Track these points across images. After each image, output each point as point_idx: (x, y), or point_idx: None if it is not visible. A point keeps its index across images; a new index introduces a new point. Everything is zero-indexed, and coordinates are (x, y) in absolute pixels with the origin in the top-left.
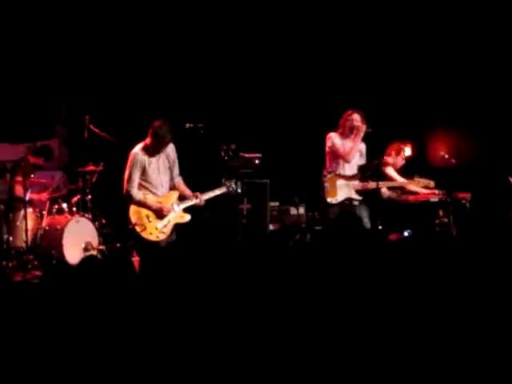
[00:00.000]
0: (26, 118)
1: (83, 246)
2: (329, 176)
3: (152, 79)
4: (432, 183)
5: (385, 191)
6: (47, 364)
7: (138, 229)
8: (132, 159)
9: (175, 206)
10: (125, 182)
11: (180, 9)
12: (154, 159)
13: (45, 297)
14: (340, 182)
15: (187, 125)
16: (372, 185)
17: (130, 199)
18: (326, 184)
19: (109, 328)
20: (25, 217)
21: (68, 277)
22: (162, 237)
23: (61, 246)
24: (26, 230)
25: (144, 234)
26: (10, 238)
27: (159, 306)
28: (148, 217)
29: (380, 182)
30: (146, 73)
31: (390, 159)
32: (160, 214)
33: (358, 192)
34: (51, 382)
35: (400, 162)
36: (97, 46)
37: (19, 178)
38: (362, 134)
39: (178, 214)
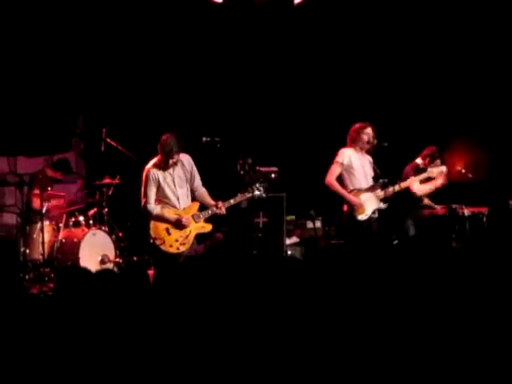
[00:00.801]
0: (42, 131)
1: (100, 258)
2: (352, 193)
3: (169, 93)
4: (444, 168)
5: (418, 188)
6: (60, 373)
7: (157, 242)
8: (145, 176)
9: (195, 217)
10: (142, 199)
11: (197, 25)
12: (167, 173)
13: (58, 308)
14: (364, 197)
15: (204, 138)
16: (395, 188)
17: (148, 215)
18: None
19: (120, 339)
20: (41, 229)
21: (83, 288)
22: (182, 248)
23: (77, 258)
24: (43, 243)
25: (164, 247)
26: (27, 251)
27: (172, 319)
28: (167, 230)
29: (402, 183)
30: (164, 86)
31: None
32: (179, 226)
33: (383, 200)
34: None
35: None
36: (114, 59)
37: (37, 191)
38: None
39: (198, 225)
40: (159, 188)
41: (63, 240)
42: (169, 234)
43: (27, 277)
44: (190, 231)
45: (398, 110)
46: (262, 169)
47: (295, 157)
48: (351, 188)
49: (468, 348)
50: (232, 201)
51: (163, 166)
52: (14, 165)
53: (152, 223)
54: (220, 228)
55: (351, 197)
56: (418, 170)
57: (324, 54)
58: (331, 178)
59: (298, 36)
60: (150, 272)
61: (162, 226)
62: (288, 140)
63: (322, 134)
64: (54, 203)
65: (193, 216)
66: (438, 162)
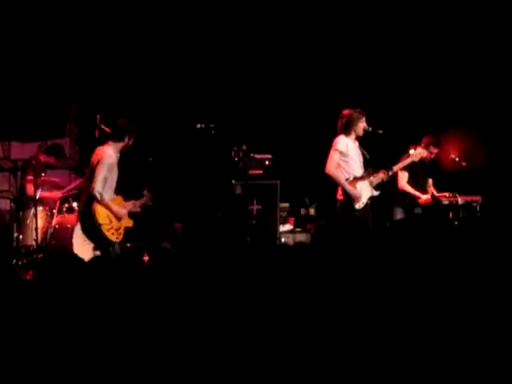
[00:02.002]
0: (37, 117)
1: (93, 245)
2: (349, 182)
3: (163, 79)
4: (424, 152)
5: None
6: (52, 362)
7: (105, 227)
8: (107, 161)
9: (126, 212)
10: (98, 183)
11: (192, 10)
12: (115, 162)
13: (50, 294)
14: (360, 185)
15: (198, 125)
16: (387, 174)
17: (100, 200)
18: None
19: (113, 327)
20: (35, 215)
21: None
22: (120, 238)
23: (71, 244)
24: (36, 229)
25: (107, 233)
26: (20, 237)
27: (166, 306)
28: (109, 217)
29: (393, 167)
30: (158, 72)
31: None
32: (119, 217)
33: (375, 187)
34: (54, 381)
35: (428, 156)
36: (108, 45)
37: (30, 177)
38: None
39: (128, 220)
40: (110, 176)
41: (57, 226)
42: (110, 222)
43: (20, 263)
44: (122, 224)
45: (393, 97)
46: (257, 156)
47: (289, 144)
48: (346, 176)
49: (461, 341)
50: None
51: (117, 153)
52: (8, 150)
53: (98, 208)
54: (214, 214)
55: (351, 188)
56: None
57: (318, 41)
58: (332, 167)
59: (291, 24)
60: (145, 258)
61: (106, 212)
62: (282, 127)
63: (317, 121)
64: (48, 189)
65: (125, 210)
66: (435, 151)
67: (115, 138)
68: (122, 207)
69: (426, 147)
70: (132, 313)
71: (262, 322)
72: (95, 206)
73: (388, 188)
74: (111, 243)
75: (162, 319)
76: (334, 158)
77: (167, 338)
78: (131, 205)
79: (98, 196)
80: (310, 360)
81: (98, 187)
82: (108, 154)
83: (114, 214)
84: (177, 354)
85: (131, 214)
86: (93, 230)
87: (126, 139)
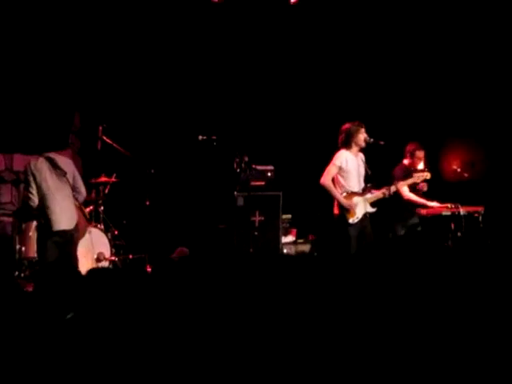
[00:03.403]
0: (39, 129)
1: (95, 256)
2: (344, 196)
3: (166, 91)
4: (428, 174)
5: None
6: (54, 371)
7: None
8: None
9: None
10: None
11: (195, 22)
12: None
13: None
14: (355, 200)
15: (200, 137)
16: (385, 193)
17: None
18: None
19: (112, 338)
20: (37, 227)
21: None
22: None
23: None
24: None
25: None
26: (23, 249)
27: (169, 317)
28: None
29: (392, 187)
30: (160, 84)
31: (405, 161)
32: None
33: (372, 204)
34: None
35: (417, 162)
36: (111, 57)
37: None
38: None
39: None
40: None
41: None
42: None
43: (22, 275)
44: None
45: (394, 109)
46: (259, 167)
47: (292, 155)
48: (343, 190)
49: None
50: None
51: None
52: (10, 162)
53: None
54: (217, 226)
55: (345, 201)
56: (406, 175)
57: (320, 54)
58: (327, 179)
59: (295, 35)
60: (148, 269)
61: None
62: (285, 139)
63: (319, 132)
64: None
65: None
66: (421, 155)
67: None
68: None
69: (411, 155)
70: (133, 323)
71: (264, 330)
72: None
73: (388, 204)
74: None
75: (164, 329)
76: (330, 171)
77: (170, 347)
78: None
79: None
80: (310, 366)
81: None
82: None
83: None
84: (180, 363)
85: None
86: None
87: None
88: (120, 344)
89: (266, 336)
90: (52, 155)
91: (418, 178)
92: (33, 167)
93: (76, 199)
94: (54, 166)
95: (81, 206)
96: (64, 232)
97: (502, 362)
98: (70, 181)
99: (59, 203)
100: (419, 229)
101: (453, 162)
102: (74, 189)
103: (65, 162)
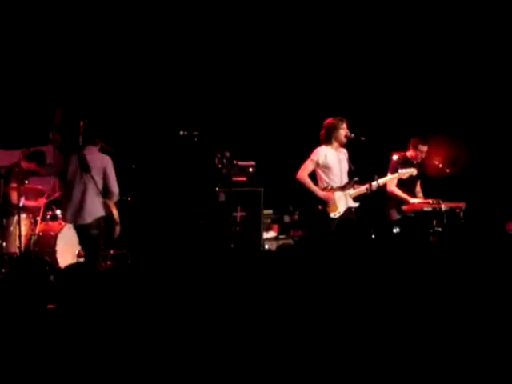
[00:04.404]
0: (20, 124)
1: (76, 252)
2: (325, 191)
3: (147, 86)
4: (415, 171)
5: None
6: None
7: None
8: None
9: None
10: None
11: (177, 15)
12: None
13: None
14: (338, 195)
15: (181, 132)
16: (373, 186)
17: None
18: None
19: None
20: (18, 222)
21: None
22: None
23: (54, 252)
24: (20, 236)
25: None
26: (4, 244)
27: (151, 313)
28: None
29: (379, 180)
30: (141, 79)
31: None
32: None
33: (355, 199)
34: None
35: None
36: (92, 51)
37: (14, 184)
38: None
39: None
40: None
41: (40, 233)
42: None
43: (3, 270)
44: None
45: (376, 104)
46: (240, 163)
47: (273, 151)
48: (325, 186)
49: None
50: None
51: None
52: None
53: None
54: (198, 221)
55: (322, 192)
56: (401, 166)
57: (301, 49)
58: (303, 173)
59: (277, 29)
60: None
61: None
62: (266, 134)
63: (301, 128)
64: (32, 197)
65: None
66: (424, 149)
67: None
68: None
69: (415, 148)
70: (111, 318)
71: (247, 326)
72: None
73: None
74: None
75: (146, 327)
76: (307, 167)
77: (155, 345)
78: None
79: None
80: (299, 363)
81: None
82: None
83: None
84: (167, 362)
85: None
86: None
87: None
88: (101, 338)
89: (248, 332)
90: (85, 151)
91: (403, 174)
92: (65, 162)
93: (108, 198)
94: (81, 161)
95: (110, 205)
96: (75, 226)
97: (486, 353)
98: (96, 178)
99: (72, 198)
100: (412, 215)
101: (434, 158)
102: (104, 187)
103: (95, 158)
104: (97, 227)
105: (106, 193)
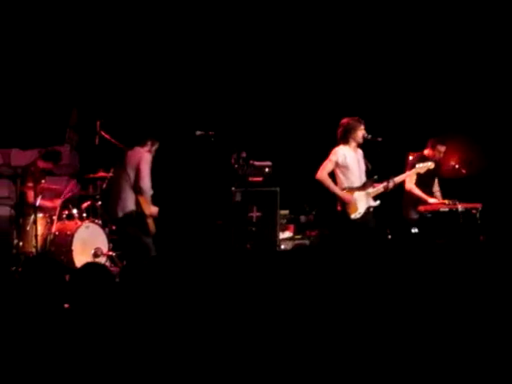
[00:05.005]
0: (37, 124)
1: (93, 251)
2: (345, 191)
3: (164, 86)
4: (432, 164)
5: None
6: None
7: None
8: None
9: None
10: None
11: (193, 17)
12: None
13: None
14: (357, 195)
15: (198, 132)
16: (389, 184)
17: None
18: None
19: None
20: (35, 222)
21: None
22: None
23: (70, 251)
24: (36, 236)
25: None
26: (20, 243)
27: (166, 313)
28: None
29: (395, 178)
30: (158, 79)
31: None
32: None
33: (375, 197)
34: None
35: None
36: (109, 52)
37: (30, 184)
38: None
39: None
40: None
41: (56, 233)
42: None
43: (20, 269)
44: None
45: (393, 105)
46: (256, 163)
47: (289, 151)
48: (345, 186)
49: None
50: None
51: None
52: (8, 157)
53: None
54: (215, 222)
55: (344, 194)
56: (420, 160)
57: (319, 48)
58: (322, 173)
59: (293, 30)
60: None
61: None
62: (282, 134)
63: (316, 127)
64: (49, 197)
65: None
66: (442, 149)
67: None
68: None
69: (433, 147)
70: (129, 318)
71: (262, 326)
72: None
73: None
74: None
75: (161, 326)
76: (327, 166)
77: (168, 344)
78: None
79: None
80: (309, 362)
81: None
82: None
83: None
84: (178, 361)
85: None
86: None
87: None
88: (113, 338)
89: (263, 332)
90: (129, 151)
91: (420, 168)
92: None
93: (138, 193)
94: (120, 159)
95: (141, 201)
96: (111, 220)
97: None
98: (131, 174)
99: (110, 193)
100: (429, 215)
101: (451, 159)
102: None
103: (133, 156)
104: (128, 222)
105: (135, 188)
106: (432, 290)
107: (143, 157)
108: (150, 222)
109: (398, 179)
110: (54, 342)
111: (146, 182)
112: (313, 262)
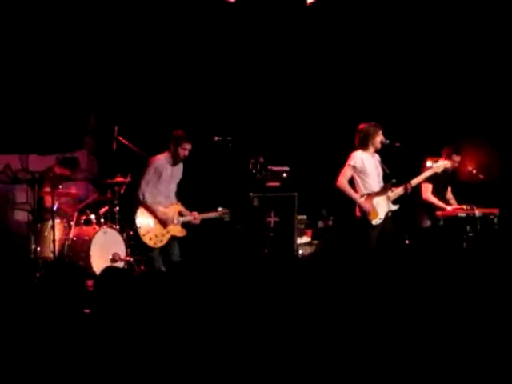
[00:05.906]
0: (55, 129)
1: (110, 257)
2: (364, 197)
3: (181, 92)
4: (448, 163)
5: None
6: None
7: (141, 231)
8: (151, 165)
9: (175, 219)
10: (139, 185)
11: (210, 24)
12: (169, 168)
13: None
14: (376, 200)
15: (216, 137)
16: (407, 187)
17: (140, 202)
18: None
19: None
20: (53, 227)
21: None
22: (159, 245)
23: (88, 256)
24: (54, 241)
25: (144, 238)
26: (38, 249)
27: (182, 317)
28: (152, 223)
29: (412, 180)
30: (176, 85)
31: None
32: (164, 223)
33: (394, 201)
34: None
35: (452, 164)
36: (127, 58)
37: (47, 189)
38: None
39: (177, 228)
40: (158, 180)
41: (74, 238)
42: (151, 226)
43: (38, 274)
44: (168, 231)
45: (410, 110)
46: (274, 168)
47: (307, 156)
48: (363, 192)
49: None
50: (207, 215)
51: (171, 160)
52: (26, 162)
53: (140, 211)
54: (234, 226)
55: (364, 202)
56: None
57: (336, 54)
58: (342, 181)
59: (311, 35)
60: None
61: (149, 217)
62: (300, 139)
63: (334, 133)
64: (65, 201)
65: (173, 217)
66: (457, 159)
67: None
68: (175, 215)
69: (448, 157)
70: (147, 322)
71: (277, 331)
72: (137, 208)
73: (413, 196)
74: (149, 248)
75: (177, 329)
76: (346, 172)
77: (183, 347)
78: (189, 215)
79: (140, 197)
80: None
81: (140, 188)
82: (155, 158)
83: (159, 218)
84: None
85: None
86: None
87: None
88: (131, 343)
89: (279, 337)
90: None
91: (437, 167)
92: None
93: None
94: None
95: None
96: None
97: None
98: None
99: None
100: (442, 223)
101: (468, 164)
102: None
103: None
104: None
105: None
106: (449, 295)
107: (147, 163)
108: (141, 235)
109: (415, 181)
110: (74, 348)
111: (138, 188)
112: (331, 267)
